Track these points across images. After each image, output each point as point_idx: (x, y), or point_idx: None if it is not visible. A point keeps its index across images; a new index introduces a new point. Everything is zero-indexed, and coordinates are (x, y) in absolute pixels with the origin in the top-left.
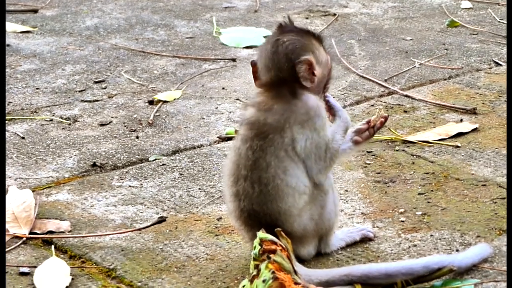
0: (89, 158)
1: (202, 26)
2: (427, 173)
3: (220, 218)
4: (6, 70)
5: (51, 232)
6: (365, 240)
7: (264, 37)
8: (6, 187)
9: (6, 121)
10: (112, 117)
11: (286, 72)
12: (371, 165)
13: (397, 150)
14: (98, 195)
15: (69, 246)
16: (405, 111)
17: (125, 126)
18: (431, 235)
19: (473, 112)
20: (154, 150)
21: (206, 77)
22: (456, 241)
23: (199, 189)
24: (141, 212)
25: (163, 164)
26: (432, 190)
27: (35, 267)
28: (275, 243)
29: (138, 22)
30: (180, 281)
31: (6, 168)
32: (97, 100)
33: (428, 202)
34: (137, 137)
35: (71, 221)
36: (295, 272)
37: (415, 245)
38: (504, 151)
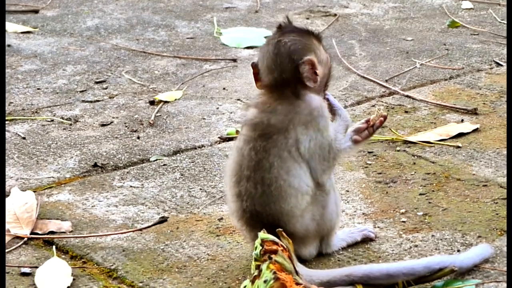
0: (90, 158)
1: (203, 26)
2: (428, 174)
3: (221, 218)
4: (7, 70)
5: (52, 232)
6: (366, 240)
7: (265, 37)
8: (8, 188)
9: (7, 122)
10: (113, 118)
11: (289, 73)
12: (372, 166)
13: (398, 151)
14: (99, 195)
15: (70, 246)
16: (406, 112)
17: (126, 126)
18: (432, 236)
19: (474, 112)
20: (155, 151)
21: (207, 78)
22: (457, 241)
23: (200, 189)
24: (142, 213)
25: (164, 165)
26: (433, 191)
27: (37, 267)
28: (276, 244)
29: (139, 23)
30: (181, 281)
31: (7, 169)
32: (98, 101)
33: (429, 203)
34: (138, 138)
35: (72, 222)
36: (297, 272)
37: (416, 246)
38: (505, 151)
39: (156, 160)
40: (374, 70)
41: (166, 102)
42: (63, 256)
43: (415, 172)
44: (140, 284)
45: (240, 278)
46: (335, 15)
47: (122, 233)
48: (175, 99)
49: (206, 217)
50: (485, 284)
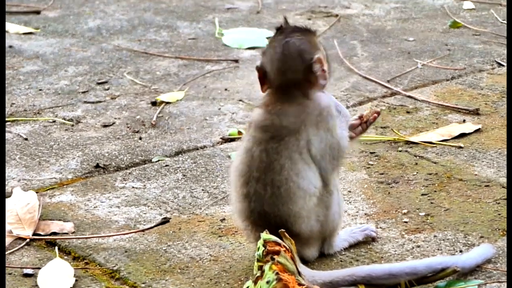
0: (92, 159)
1: (204, 27)
2: (430, 174)
3: (224, 219)
4: (9, 71)
5: (54, 233)
6: (369, 240)
7: (267, 38)
8: (10, 188)
9: (9, 123)
10: (115, 118)
11: (301, 73)
12: (374, 166)
13: (400, 151)
14: (102, 196)
15: (72, 247)
16: (408, 112)
17: (128, 127)
18: (435, 236)
19: (476, 112)
20: (157, 151)
21: (208, 78)
22: (459, 241)
23: (202, 190)
24: (145, 213)
25: (166, 165)
26: (435, 191)
27: (39, 268)
28: (279, 244)
29: (140, 23)
30: (184, 282)
31: (9, 170)
32: (100, 101)
33: (431, 203)
34: (140, 138)
35: (74, 222)
36: (299, 273)
37: (418, 246)
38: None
39: (158, 161)
40: (376, 70)
41: (168, 103)
42: (66, 257)
43: (417, 173)
44: (143, 285)
45: (242, 279)
46: (337, 15)
47: (124, 234)
48: (177, 100)
49: (208, 217)
50: (487, 285)
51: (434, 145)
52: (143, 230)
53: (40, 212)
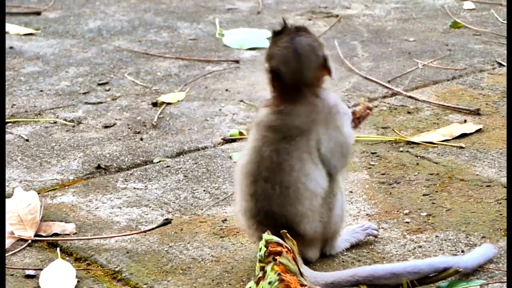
0: (93, 160)
1: (205, 28)
2: (431, 174)
3: (225, 220)
4: (10, 72)
5: (56, 234)
6: (370, 241)
7: (273, 39)
8: (12, 189)
9: (10, 124)
10: (116, 119)
11: (315, 71)
12: (375, 166)
13: (401, 151)
14: (103, 197)
15: (74, 248)
16: (408, 112)
17: (129, 128)
18: (436, 236)
19: (477, 113)
20: (158, 152)
21: (209, 79)
22: (461, 242)
23: (204, 191)
24: (146, 214)
25: (167, 166)
26: (436, 191)
27: (41, 269)
28: (281, 245)
29: (141, 24)
30: (186, 283)
31: (10, 171)
32: (100, 102)
33: (433, 203)
34: (141, 139)
35: (76, 224)
36: (301, 273)
37: (420, 246)
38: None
39: (160, 161)
40: (376, 71)
41: (168, 103)
42: (67, 258)
43: (418, 173)
44: (145, 286)
45: (244, 279)
46: (337, 16)
47: (126, 235)
48: (178, 101)
49: (210, 218)
50: (489, 285)
51: (435, 145)
52: (144, 231)
53: (41, 213)
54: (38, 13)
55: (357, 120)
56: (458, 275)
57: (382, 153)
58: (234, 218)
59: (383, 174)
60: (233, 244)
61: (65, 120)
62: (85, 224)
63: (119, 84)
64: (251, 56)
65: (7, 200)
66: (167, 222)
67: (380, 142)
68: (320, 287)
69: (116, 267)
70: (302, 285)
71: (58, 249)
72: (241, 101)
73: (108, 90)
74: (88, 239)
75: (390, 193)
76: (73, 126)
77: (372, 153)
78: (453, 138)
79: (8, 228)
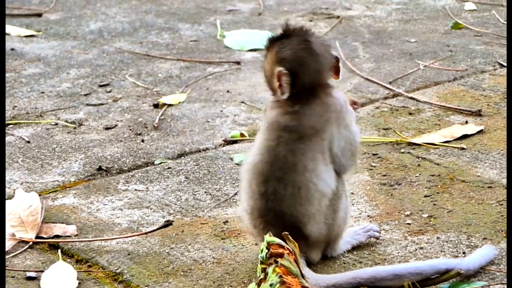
0: (94, 162)
1: (206, 29)
2: (432, 175)
3: (226, 221)
4: (11, 74)
5: (57, 236)
6: (371, 242)
7: (270, 41)
8: (13, 191)
9: (12, 126)
10: (117, 121)
11: (329, 70)
12: (376, 168)
13: (402, 153)
14: (104, 199)
15: (75, 250)
16: (410, 113)
17: (130, 129)
18: (438, 238)
19: (478, 114)
20: (159, 154)
21: (210, 80)
22: (462, 243)
23: (205, 192)
24: (147, 216)
25: (168, 168)
26: (438, 193)
27: (42, 271)
28: (283, 247)
29: (142, 26)
30: (187, 285)
31: (12, 173)
32: (102, 104)
33: (434, 205)
34: (143, 141)
35: (77, 225)
36: (303, 276)
37: (421, 248)
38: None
39: (161, 163)
40: (377, 72)
41: (170, 105)
42: (69, 260)
43: (419, 174)
44: None
45: (245, 281)
46: (338, 17)
47: (127, 236)
48: (179, 102)
49: (211, 220)
50: (491, 286)
51: (437, 146)
52: (146, 233)
53: (43, 215)
54: (39, 15)
55: None
56: (459, 277)
57: (383, 154)
58: (236, 219)
59: (384, 175)
60: (234, 245)
61: (66, 121)
62: (86, 225)
63: (120, 86)
64: (252, 58)
65: (8, 201)
66: (168, 223)
67: (381, 143)
68: None
69: (117, 269)
70: (303, 287)
71: (59, 251)
72: (242, 102)
73: (109, 92)
74: (89, 241)
75: (391, 194)
76: (74, 128)
77: (373, 154)
78: (454, 139)
79: (9, 230)
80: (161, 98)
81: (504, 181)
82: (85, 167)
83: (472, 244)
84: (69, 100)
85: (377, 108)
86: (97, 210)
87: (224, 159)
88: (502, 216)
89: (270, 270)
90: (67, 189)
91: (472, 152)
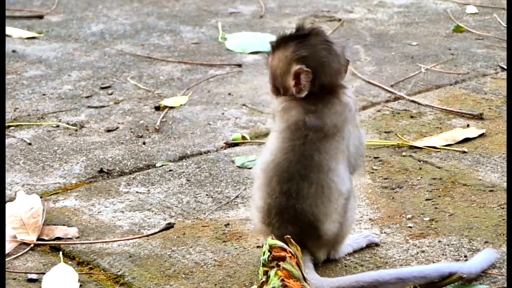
0: (96, 164)
1: (207, 31)
2: (434, 179)
3: (228, 224)
4: (13, 76)
5: (58, 238)
6: (373, 246)
7: (277, 42)
8: (14, 193)
9: (13, 128)
10: (119, 123)
11: (345, 71)
12: (378, 171)
13: (404, 156)
14: (106, 201)
15: (77, 252)
16: (411, 117)
17: (132, 132)
18: (439, 241)
19: (479, 117)
20: (161, 156)
21: (212, 83)
22: (464, 247)
23: (207, 195)
24: (149, 218)
25: (170, 170)
26: (439, 196)
27: (43, 273)
28: (285, 250)
29: (143, 28)
30: (188, 287)
31: (13, 175)
32: (103, 106)
33: (436, 208)
34: (144, 143)
35: (78, 228)
36: (305, 279)
37: (423, 251)
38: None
39: (162, 165)
40: (379, 75)
41: (171, 107)
42: (70, 262)
43: (421, 178)
44: None
45: (247, 284)
46: (340, 20)
47: (128, 239)
48: (181, 105)
49: (212, 222)
50: None
51: (438, 150)
52: (147, 235)
53: (44, 217)
54: (41, 17)
55: None
56: (461, 281)
57: (384, 157)
58: (237, 222)
59: (386, 178)
60: (236, 248)
61: (68, 124)
62: (88, 228)
63: (121, 88)
64: (254, 60)
65: (9, 204)
66: (169, 226)
67: (383, 146)
68: None
69: (119, 271)
70: None
71: (60, 253)
72: (244, 105)
73: (111, 94)
74: (90, 243)
75: (393, 197)
76: (76, 130)
77: (375, 157)
78: (456, 143)
79: (10, 232)
80: (163, 101)
81: (506, 184)
82: (86, 169)
83: (474, 247)
84: (70, 102)
85: (379, 111)
86: (98, 212)
87: (225, 162)
88: (504, 219)
89: (272, 273)
90: (69, 191)
91: (474, 156)
